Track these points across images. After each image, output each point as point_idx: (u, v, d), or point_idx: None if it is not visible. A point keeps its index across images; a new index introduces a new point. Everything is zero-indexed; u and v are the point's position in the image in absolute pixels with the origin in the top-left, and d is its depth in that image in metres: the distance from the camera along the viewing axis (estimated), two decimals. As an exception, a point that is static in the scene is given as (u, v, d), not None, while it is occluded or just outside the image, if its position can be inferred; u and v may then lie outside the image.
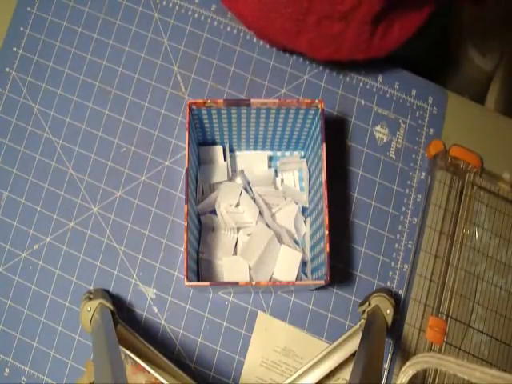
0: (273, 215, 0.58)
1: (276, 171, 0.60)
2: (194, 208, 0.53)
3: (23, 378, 0.56)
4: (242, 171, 0.59)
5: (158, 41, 0.63)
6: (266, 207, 0.57)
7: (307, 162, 0.58)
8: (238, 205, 0.58)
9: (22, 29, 0.63)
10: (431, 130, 0.62)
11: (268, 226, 0.56)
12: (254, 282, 0.47)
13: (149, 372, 0.49)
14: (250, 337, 0.57)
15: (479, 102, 0.65)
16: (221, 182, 0.57)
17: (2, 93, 0.62)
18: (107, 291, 0.57)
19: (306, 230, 0.57)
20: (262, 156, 0.60)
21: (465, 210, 0.59)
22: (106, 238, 0.58)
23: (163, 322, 0.57)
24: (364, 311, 0.52)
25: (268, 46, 0.62)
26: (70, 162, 0.60)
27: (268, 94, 0.62)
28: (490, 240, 0.59)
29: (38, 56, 0.62)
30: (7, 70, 0.62)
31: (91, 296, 0.52)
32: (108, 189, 0.60)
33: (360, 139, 0.61)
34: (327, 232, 0.47)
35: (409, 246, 0.59)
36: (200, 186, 0.58)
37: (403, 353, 0.56)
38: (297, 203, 0.58)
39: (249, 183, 0.58)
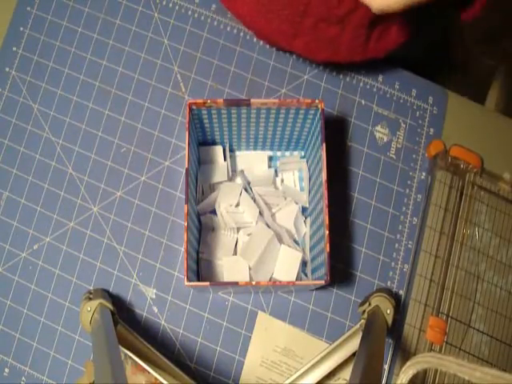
0: (273, 215, 0.58)
1: (276, 171, 0.60)
2: (194, 208, 0.53)
3: (23, 378, 0.56)
4: (242, 171, 0.59)
5: (158, 41, 0.63)
6: (266, 207, 0.57)
7: (307, 162, 0.58)
8: (238, 205, 0.58)
9: (21, 28, 0.63)
10: (431, 130, 0.62)
11: (268, 225, 0.56)
12: (254, 282, 0.47)
13: (149, 372, 0.49)
14: (250, 337, 0.57)
15: (479, 102, 0.65)
16: (221, 182, 0.57)
17: (1, 93, 0.62)
18: (107, 291, 0.57)
19: (306, 230, 0.57)
20: (262, 156, 0.60)
21: (465, 210, 0.59)
22: (105, 238, 0.58)
23: (163, 322, 0.57)
24: (364, 311, 0.52)
25: (268, 46, 0.62)
26: (70, 162, 0.60)
27: (268, 94, 0.62)
28: (490, 240, 0.59)
29: (38, 56, 0.62)
30: (7, 69, 0.62)
31: (91, 296, 0.52)
32: (108, 189, 0.60)
33: (360, 139, 0.61)
34: (327, 232, 0.47)
35: (409, 245, 0.59)
36: (200, 186, 0.58)
37: (403, 353, 0.56)
38: (297, 203, 0.58)
39: (249, 183, 0.58)
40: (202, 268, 0.56)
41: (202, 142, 0.59)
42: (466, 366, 0.29)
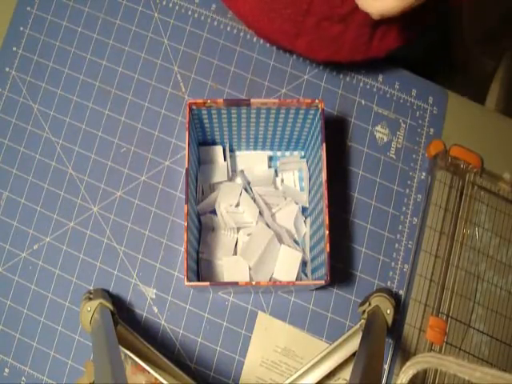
0: (273, 215, 0.58)
1: (276, 171, 0.60)
2: (194, 208, 0.53)
3: (23, 378, 0.56)
4: (242, 171, 0.59)
5: (158, 41, 0.63)
6: (266, 207, 0.57)
7: (307, 162, 0.58)
8: (238, 205, 0.58)
9: (21, 28, 0.63)
10: (431, 130, 0.62)
11: (268, 225, 0.56)
12: (254, 282, 0.47)
13: (149, 372, 0.49)
14: (250, 337, 0.57)
15: (479, 102, 0.65)
16: (221, 182, 0.57)
17: (1, 93, 0.62)
18: (107, 291, 0.57)
19: (306, 230, 0.57)
20: (262, 156, 0.60)
21: (465, 209, 0.59)
22: (105, 238, 0.58)
23: (163, 322, 0.57)
24: (364, 311, 0.52)
25: (268, 45, 0.62)
26: (70, 162, 0.60)
27: (268, 94, 0.62)
28: (490, 240, 0.59)
29: (38, 56, 0.62)
30: (7, 69, 0.62)
31: (91, 296, 0.52)
32: (108, 189, 0.60)
33: (360, 139, 0.61)
34: (327, 232, 0.47)
35: (409, 246, 0.59)
36: (200, 186, 0.58)
37: (403, 353, 0.56)
38: (297, 203, 0.58)
39: (249, 183, 0.58)
40: (202, 268, 0.56)
41: (202, 142, 0.59)
42: (466, 366, 0.29)
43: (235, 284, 0.47)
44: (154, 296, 0.57)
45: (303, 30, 0.54)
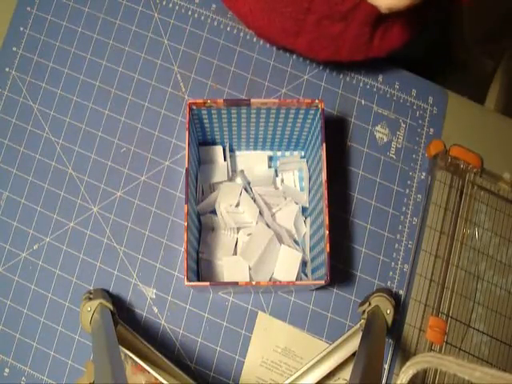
0: (273, 215, 0.58)
1: (276, 171, 0.60)
2: (194, 208, 0.53)
3: (23, 378, 0.56)
4: (242, 171, 0.59)
5: (158, 41, 0.63)
6: (266, 207, 0.57)
7: (307, 161, 0.58)
8: (238, 205, 0.58)
9: (21, 29, 0.63)
10: (431, 130, 0.62)
11: (268, 225, 0.56)
12: (254, 282, 0.47)
13: (149, 372, 0.49)
14: (250, 337, 0.57)
15: (479, 102, 0.65)
16: (221, 182, 0.57)
17: (1, 93, 0.62)
18: (107, 291, 0.57)
19: (306, 230, 0.57)
20: (261, 156, 0.60)
21: (465, 209, 0.59)
22: (105, 238, 0.58)
23: (163, 322, 0.57)
24: (364, 311, 0.52)
25: (268, 45, 0.62)
26: (70, 162, 0.60)
27: (268, 94, 0.62)
28: (490, 240, 0.59)
29: (38, 56, 0.62)
30: (7, 69, 0.62)
31: (91, 296, 0.52)
32: (108, 189, 0.60)
33: (360, 139, 0.61)
34: (327, 232, 0.47)
35: (409, 246, 0.59)
36: (200, 186, 0.58)
37: (403, 353, 0.56)
38: (297, 203, 0.58)
39: (249, 183, 0.58)
40: (202, 268, 0.56)
41: (202, 142, 0.59)
42: (466, 366, 0.29)
43: (235, 284, 0.47)
44: (154, 296, 0.57)
45: (304, 28, 0.54)
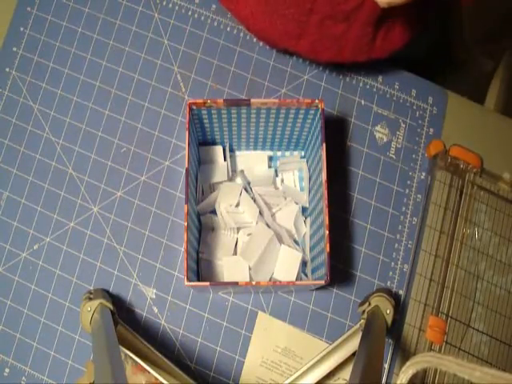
0: (273, 215, 0.58)
1: (276, 171, 0.60)
2: (194, 208, 0.53)
3: (23, 378, 0.56)
4: (242, 171, 0.59)
5: (158, 41, 0.63)
6: (266, 207, 0.57)
7: (307, 162, 0.58)
8: (238, 205, 0.58)
9: (22, 29, 0.63)
10: (431, 130, 0.62)
11: (268, 225, 0.56)
12: (254, 282, 0.47)
13: (149, 372, 0.49)
14: (250, 337, 0.57)
15: (479, 102, 0.65)
16: (221, 182, 0.57)
17: (2, 93, 0.62)
18: (107, 291, 0.57)
19: (306, 230, 0.57)
20: (262, 156, 0.60)
21: (465, 209, 0.59)
22: (106, 238, 0.58)
23: (163, 322, 0.57)
24: (364, 311, 0.52)
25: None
26: (70, 162, 0.60)
27: (268, 94, 0.62)
28: (489, 239, 0.59)
29: (38, 56, 0.63)
30: (7, 70, 0.62)
31: (91, 296, 0.52)
32: (108, 189, 0.60)
33: (360, 139, 0.61)
34: (327, 232, 0.47)
35: (409, 245, 0.59)
36: (200, 186, 0.58)
37: (403, 353, 0.56)
38: (297, 203, 0.58)
39: (249, 183, 0.58)
40: (202, 268, 0.56)
41: (202, 142, 0.59)
42: (466, 366, 0.29)
43: (235, 284, 0.47)
44: (154, 296, 0.57)
45: (306, 29, 0.54)
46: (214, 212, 0.58)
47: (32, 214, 0.59)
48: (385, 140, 0.61)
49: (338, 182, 0.59)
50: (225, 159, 0.59)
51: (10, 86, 0.62)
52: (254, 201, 0.57)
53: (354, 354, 0.51)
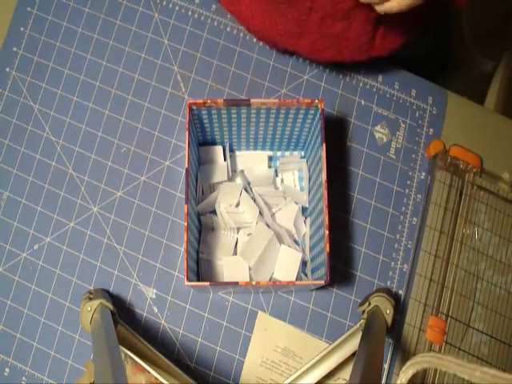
0: (273, 215, 0.58)
1: (276, 171, 0.60)
2: (194, 208, 0.53)
3: (23, 378, 0.56)
4: (242, 171, 0.59)
5: (158, 41, 0.63)
6: (266, 207, 0.57)
7: (307, 162, 0.58)
8: (238, 205, 0.58)
9: (22, 29, 0.63)
10: (431, 130, 0.62)
11: (268, 225, 0.56)
12: (254, 282, 0.47)
13: (149, 372, 0.49)
14: (250, 337, 0.57)
15: (479, 102, 0.65)
16: (221, 182, 0.57)
17: (2, 93, 0.62)
18: (107, 291, 0.57)
19: (306, 230, 0.57)
20: (262, 156, 0.60)
21: (465, 209, 0.59)
22: (106, 238, 0.58)
23: (163, 322, 0.57)
24: (364, 311, 0.52)
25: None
26: (70, 162, 0.60)
27: (268, 94, 0.62)
28: (489, 239, 0.59)
29: (38, 56, 0.63)
30: (7, 70, 0.62)
31: (91, 296, 0.52)
32: (108, 189, 0.60)
33: (360, 139, 0.61)
34: (327, 232, 0.47)
35: (409, 245, 0.59)
36: (200, 186, 0.58)
37: (403, 353, 0.56)
38: (297, 203, 0.58)
39: (249, 183, 0.58)
40: (202, 268, 0.56)
41: (202, 142, 0.59)
42: (466, 366, 0.29)
43: (235, 284, 0.47)
44: (154, 296, 0.57)
45: (306, 29, 0.54)
46: (214, 212, 0.58)
47: (32, 213, 0.59)
48: (385, 140, 0.62)
49: (337, 182, 0.59)
50: (225, 159, 0.59)
51: (10, 85, 0.62)
52: (254, 201, 0.57)
53: (354, 354, 0.51)
